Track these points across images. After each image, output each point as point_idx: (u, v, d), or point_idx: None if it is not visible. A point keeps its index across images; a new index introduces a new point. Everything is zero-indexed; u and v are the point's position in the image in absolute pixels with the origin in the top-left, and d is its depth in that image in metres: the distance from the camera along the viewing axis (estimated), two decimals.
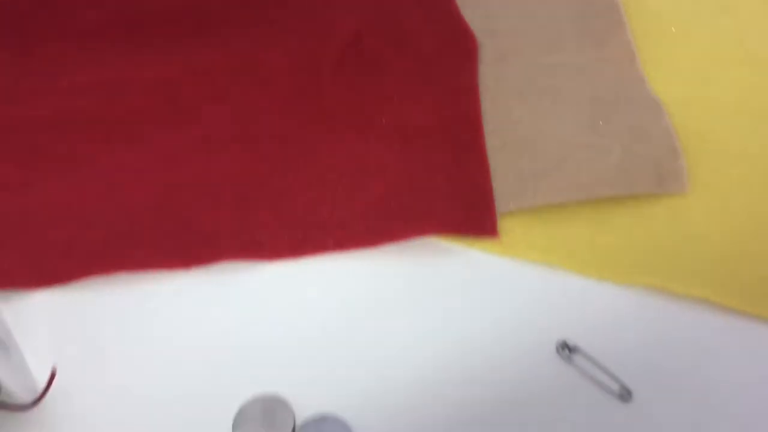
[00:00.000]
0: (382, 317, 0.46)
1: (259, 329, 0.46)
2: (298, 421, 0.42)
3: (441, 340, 0.44)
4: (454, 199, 0.49)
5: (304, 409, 0.42)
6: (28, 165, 0.54)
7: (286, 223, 0.50)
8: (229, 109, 0.56)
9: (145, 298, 0.48)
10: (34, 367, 0.45)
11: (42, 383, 0.44)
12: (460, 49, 0.58)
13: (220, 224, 0.50)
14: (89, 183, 0.52)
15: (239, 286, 0.48)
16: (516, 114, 0.53)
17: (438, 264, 0.48)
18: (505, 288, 0.46)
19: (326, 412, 0.42)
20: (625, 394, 0.41)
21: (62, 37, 0.61)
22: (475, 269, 0.47)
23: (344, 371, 0.44)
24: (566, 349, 0.42)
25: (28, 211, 0.51)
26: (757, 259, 0.45)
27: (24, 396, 0.43)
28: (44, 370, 0.44)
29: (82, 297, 0.48)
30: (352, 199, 0.50)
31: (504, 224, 0.48)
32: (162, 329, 0.46)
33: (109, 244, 0.49)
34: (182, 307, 0.47)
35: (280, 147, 0.54)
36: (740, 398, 0.40)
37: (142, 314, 0.47)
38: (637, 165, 0.49)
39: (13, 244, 0.50)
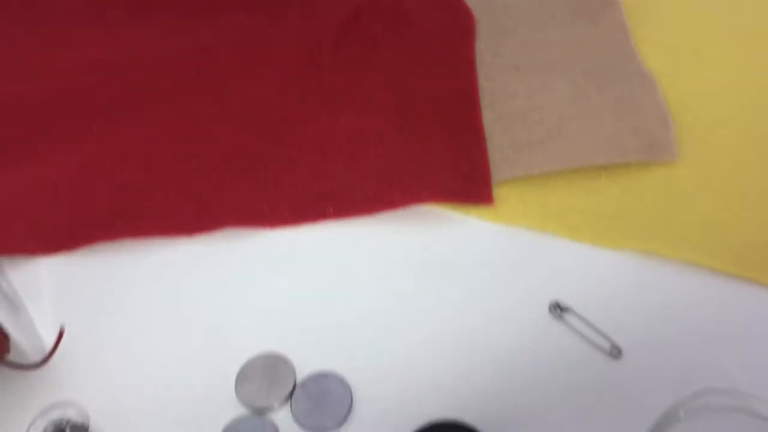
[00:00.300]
0: (380, 281, 0.47)
1: (261, 293, 0.47)
2: (299, 378, 0.43)
3: (437, 301, 0.45)
4: (451, 169, 0.50)
5: (305, 367, 0.43)
6: (36, 138, 0.55)
7: (286, 193, 0.51)
8: (231, 86, 0.57)
9: (150, 263, 0.49)
10: (42, 330, 0.46)
11: (49, 345, 0.45)
12: (458, 25, 0.59)
13: (222, 194, 0.51)
14: (96, 155, 0.54)
15: (242, 252, 0.49)
16: (512, 87, 0.54)
17: (435, 231, 0.49)
18: (500, 253, 0.47)
19: (326, 370, 0.43)
20: (615, 352, 0.42)
21: (68, 14, 0.63)
22: (472, 235, 0.48)
23: (344, 332, 0.45)
24: (558, 309, 0.44)
25: (36, 181, 0.53)
26: (743, 225, 0.46)
27: (33, 355, 0.44)
28: (51, 332, 0.45)
29: (88, 263, 0.50)
30: (352, 170, 0.51)
31: (499, 192, 0.49)
32: (167, 293, 0.48)
33: (115, 213, 0.51)
34: (187, 272, 0.49)
35: (281, 122, 0.55)
36: (725, 355, 0.41)
37: (147, 279, 0.49)
38: (629, 135, 0.50)
39: (21, 212, 0.51)
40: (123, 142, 0.54)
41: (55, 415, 0.42)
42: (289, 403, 0.42)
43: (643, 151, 0.49)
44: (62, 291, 0.49)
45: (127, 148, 0.53)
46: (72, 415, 0.42)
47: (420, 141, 0.52)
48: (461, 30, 0.59)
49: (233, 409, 0.42)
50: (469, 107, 0.53)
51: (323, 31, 0.60)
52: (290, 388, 0.43)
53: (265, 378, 0.43)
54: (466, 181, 0.50)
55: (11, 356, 0.44)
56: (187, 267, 0.49)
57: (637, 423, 0.39)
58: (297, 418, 0.42)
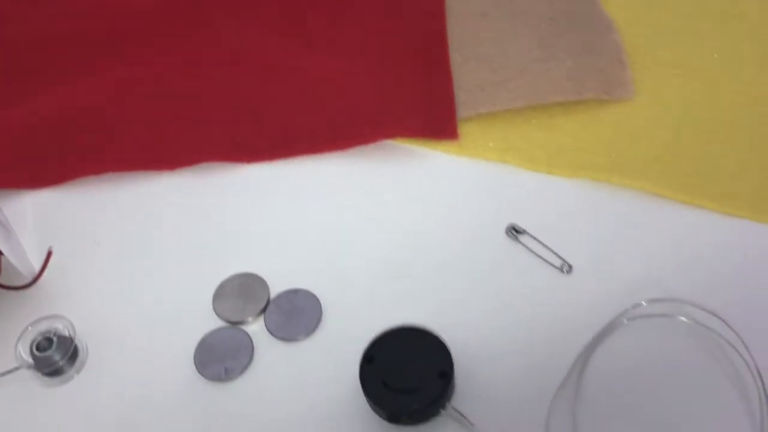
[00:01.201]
0: (350, 210, 0.50)
1: (239, 221, 0.50)
2: (272, 295, 0.46)
3: (404, 225, 0.48)
4: (419, 107, 0.53)
5: (278, 285, 0.46)
6: (24, 79, 0.58)
7: (264, 130, 0.54)
8: (214, 30, 0.60)
9: (133, 195, 0.52)
10: (31, 257, 0.49)
11: (37, 268, 0.48)
12: None
13: (202, 131, 0.54)
14: (81, 94, 0.56)
15: (222, 184, 0.52)
16: (479, 33, 0.57)
17: (403, 163, 0.52)
18: (463, 183, 0.50)
19: (298, 287, 0.46)
20: (566, 268, 0.45)
21: None
22: (437, 168, 0.51)
23: (315, 254, 0.48)
24: (514, 231, 0.47)
25: (25, 119, 0.55)
26: (689, 157, 0.49)
27: (23, 276, 0.47)
28: (39, 259, 0.48)
29: (75, 195, 0.52)
30: (326, 108, 0.54)
31: (464, 128, 0.52)
32: (151, 221, 0.51)
33: (100, 148, 0.54)
34: (169, 202, 0.52)
35: (261, 63, 0.58)
36: (666, 270, 0.45)
37: (132, 209, 0.51)
38: (588, 74, 0.53)
39: (10, 149, 0.54)
40: (108, 81, 0.56)
41: (44, 326, 0.45)
42: (262, 317, 0.45)
43: (601, 89, 0.52)
44: (50, 222, 0.51)
45: (111, 87, 0.56)
46: (59, 327, 0.45)
47: (390, 81, 0.55)
48: None
49: (211, 323, 0.45)
50: (438, 49, 0.56)
51: None
52: (264, 303, 0.46)
53: (241, 295, 0.46)
54: (433, 117, 0.53)
55: (2, 276, 0.47)
56: (169, 198, 0.52)
57: (585, 330, 0.42)
58: (270, 330, 0.45)
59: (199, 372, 0.43)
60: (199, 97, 0.56)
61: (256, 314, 0.45)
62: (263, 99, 0.55)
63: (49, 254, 0.47)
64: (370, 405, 0.40)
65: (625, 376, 0.41)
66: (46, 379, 0.44)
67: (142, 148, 0.54)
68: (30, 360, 0.43)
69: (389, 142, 0.52)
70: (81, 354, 0.45)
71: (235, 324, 0.45)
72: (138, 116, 0.55)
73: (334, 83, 0.55)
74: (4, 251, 0.46)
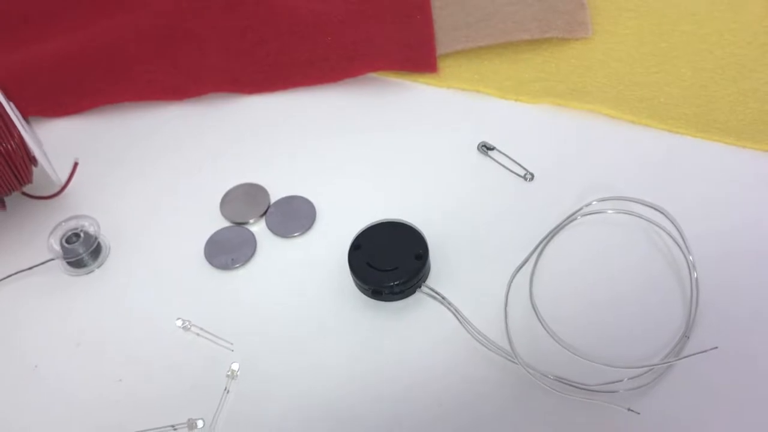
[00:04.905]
0: (340, 130, 0.56)
1: (242, 141, 0.56)
2: (272, 200, 0.52)
3: (388, 143, 0.55)
4: (403, 45, 0.60)
5: (278, 193, 0.53)
6: (49, 22, 0.65)
7: (261, 65, 0.60)
8: None
9: (147, 121, 0.58)
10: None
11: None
12: None
13: (206, 65, 0.61)
14: (100, 33, 0.63)
15: (227, 112, 0.58)
16: None
17: (388, 92, 0.58)
18: (441, 109, 0.57)
19: (295, 194, 0.52)
20: (529, 176, 0.52)
21: None
22: (418, 96, 0.58)
23: (310, 168, 0.54)
24: (485, 147, 0.53)
25: (49, 56, 0.62)
26: (639, 85, 0.56)
27: (51, 188, 0.53)
28: (64, 177, 0.54)
29: (95, 122, 0.59)
30: (318, 45, 0.60)
31: (443, 63, 0.59)
32: (164, 143, 0.57)
33: (116, 80, 0.60)
34: (178, 126, 0.58)
35: (257, 6, 0.64)
36: (615, 177, 0.51)
37: (146, 133, 0.58)
38: (552, 16, 0.59)
39: (41, 81, 0.60)
40: (122, 22, 0.63)
41: (72, 224, 0.51)
42: (264, 218, 0.52)
43: (563, 29, 0.59)
44: (73, 144, 0.58)
45: (126, 27, 0.62)
46: (86, 225, 0.51)
47: (378, 23, 0.61)
48: None
49: (219, 224, 0.52)
50: None
51: None
52: (265, 207, 0.52)
53: (245, 201, 0.52)
54: (415, 54, 0.59)
55: (34, 188, 0.53)
56: (179, 123, 0.58)
57: (545, 225, 0.49)
58: (270, 228, 0.51)
59: (209, 262, 0.49)
60: (204, 37, 0.62)
61: (258, 216, 0.52)
62: (261, 38, 0.61)
63: (75, 165, 0.53)
64: (357, 284, 0.47)
65: (577, 259, 0.47)
66: (71, 269, 0.50)
67: (153, 80, 0.60)
68: (59, 250, 0.50)
69: (375, 75, 0.59)
70: (103, 250, 0.51)
71: (240, 224, 0.51)
72: (150, 53, 0.61)
73: (325, 24, 0.61)
74: (39, 160, 0.52)
